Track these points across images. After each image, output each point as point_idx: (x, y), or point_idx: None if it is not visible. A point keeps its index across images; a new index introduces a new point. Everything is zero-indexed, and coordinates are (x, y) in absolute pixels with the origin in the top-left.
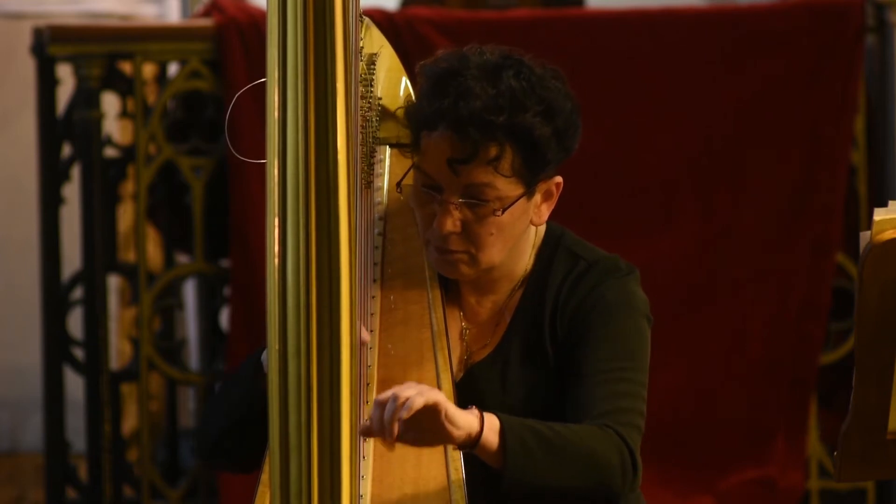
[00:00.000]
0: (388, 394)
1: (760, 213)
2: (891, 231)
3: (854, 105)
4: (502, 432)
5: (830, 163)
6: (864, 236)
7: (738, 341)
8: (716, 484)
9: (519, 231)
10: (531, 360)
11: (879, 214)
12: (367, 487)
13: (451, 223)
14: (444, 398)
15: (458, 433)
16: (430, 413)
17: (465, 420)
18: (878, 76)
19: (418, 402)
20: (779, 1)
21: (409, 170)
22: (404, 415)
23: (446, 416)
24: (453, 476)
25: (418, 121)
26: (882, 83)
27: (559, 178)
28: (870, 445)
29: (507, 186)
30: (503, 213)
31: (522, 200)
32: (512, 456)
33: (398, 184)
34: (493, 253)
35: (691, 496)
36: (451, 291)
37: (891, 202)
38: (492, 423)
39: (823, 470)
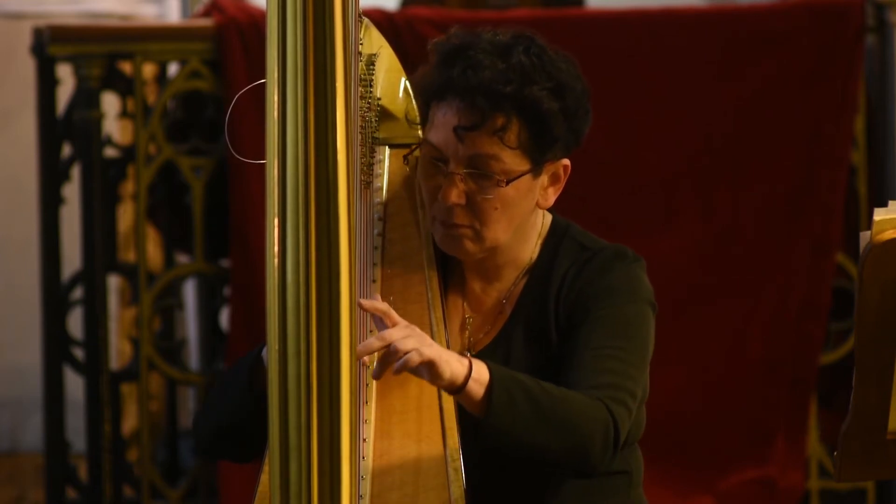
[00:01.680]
0: (388, 336)
1: (760, 213)
2: (891, 231)
3: (854, 105)
4: (490, 385)
5: (830, 162)
6: (864, 236)
7: (738, 341)
8: (716, 484)
9: (524, 210)
10: (535, 346)
11: (879, 214)
12: (368, 456)
13: (456, 194)
14: (437, 355)
15: (441, 383)
16: (422, 367)
17: (451, 372)
18: (878, 76)
19: (414, 361)
20: (779, 1)
21: (415, 147)
22: (397, 368)
23: (434, 370)
24: (451, 469)
25: (427, 92)
26: (882, 83)
27: (567, 161)
28: (870, 445)
29: (513, 160)
30: (508, 184)
31: (528, 178)
32: (496, 408)
33: (405, 156)
34: (498, 230)
35: (691, 496)
36: (456, 280)
37: (891, 202)
38: (480, 374)
39: (823, 470)
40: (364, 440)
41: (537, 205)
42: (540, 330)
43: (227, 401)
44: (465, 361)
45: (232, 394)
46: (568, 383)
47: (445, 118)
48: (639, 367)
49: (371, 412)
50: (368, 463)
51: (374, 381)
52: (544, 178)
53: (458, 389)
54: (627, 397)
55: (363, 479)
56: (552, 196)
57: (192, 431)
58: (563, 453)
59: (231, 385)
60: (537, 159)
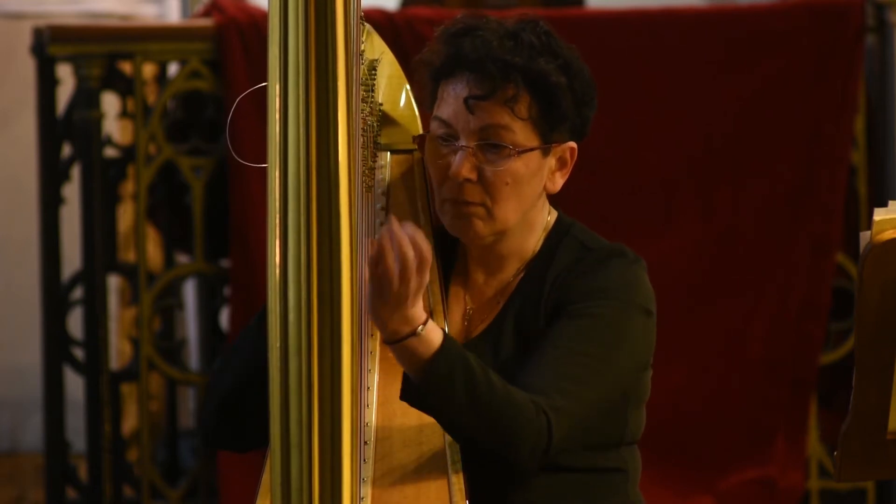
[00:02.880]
0: (401, 237)
1: (760, 213)
2: (891, 231)
3: (854, 105)
4: (435, 356)
5: (830, 162)
6: (864, 236)
7: (738, 341)
8: (716, 484)
9: (533, 191)
10: (523, 339)
11: (879, 214)
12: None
13: (468, 168)
14: (384, 306)
15: (390, 314)
16: (389, 281)
17: (400, 320)
18: (878, 76)
19: (372, 269)
20: (779, 1)
21: (423, 136)
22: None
23: (402, 300)
24: (453, 478)
25: (436, 69)
26: (882, 83)
27: (574, 145)
28: (870, 445)
29: (524, 133)
30: (519, 155)
31: (538, 155)
32: (431, 381)
33: (415, 137)
34: (509, 209)
35: (691, 496)
36: (460, 272)
37: (891, 202)
38: (428, 344)
39: (823, 470)
40: (365, 443)
41: (545, 189)
42: (531, 320)
43: (233, 367)
44: (413, 326)
45: (238, 359)
46: (526, 377)
47: (456, 91)
48: (606, 377)
49: (372, 415)
50: (369, 465)
51: (375, 385)
52: (552, 161)
53: (389, 341)
54: (577, 408)
55: (364, 482)
56: (560, 181)
57: (197, 417)
58: (487, 445)
59: (237, 352)
60: (546, 136)
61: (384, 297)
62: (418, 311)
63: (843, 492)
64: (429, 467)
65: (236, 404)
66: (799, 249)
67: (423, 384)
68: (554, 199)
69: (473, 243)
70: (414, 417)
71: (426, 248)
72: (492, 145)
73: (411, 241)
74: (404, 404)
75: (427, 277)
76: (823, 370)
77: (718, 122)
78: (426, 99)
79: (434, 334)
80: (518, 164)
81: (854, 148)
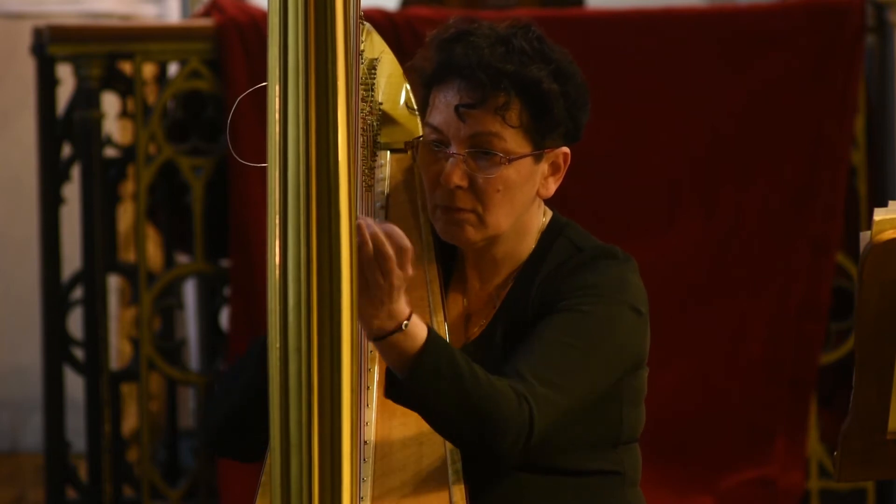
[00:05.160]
0: (391, 241)
1: (761, 213)
2: (891, 231)
3: (854, 105)
4: (423, 350)
5: (831, 163)
6: (864, 236)
7: (738, 341)
8: (716, 483)
9: (525, 197)
10: (516, 340)
11: (879, 214)
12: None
13: (459, 176)
14: (397, 287)
15: (376, 310)
16: (382, 265)
17: (385, 316)
18: (878, 76)
19: (368, 246)
20: (779, 1)
21: (416, 141)
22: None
23: (385, 294)
24: (453, 478)
25: (427, 76)
26: (882, 83)
27: (567, 150)
28: (870, 445)
29: (515, 140)
30: (510, 163)
31: (530, 161)
32: (420, 374)
33: (407, 142)
34: (500, 215)
35: (691, 495)
36: (458, 277)
37: (891, 202)
38: (413, 339)
39: (823, 470)
40: (365, 442)
41: (538, 194)
42: (521, 326)
43: (239, 383)
44: (398, 321)
45: (246, 374)
46: (509, 366)
47: (447, 99)
48: (590, 369)
49: (372, 415)
50: (369, 465)
51: (375, 385)
52: (545, 166)
53: (376, 337)
54: (559, 398)
55: (364, 482)
56: (553, 186)
57: (199, 426)
58: (468, 437)
59: (243, 367)
60: (538, 142)
61: (367, 292)
62: (402, 305)
63: (843, 492)
64: (429, 467)
65: (242, 420)
66: (799, 249)
67: (409, 379)
68: (556, 200)
69: (465, 247)
70: (414, 416)
71: (405, 241)
72: (483, 153)
73: (387, 234)
74: None
75: (410, 271)
76: (823, 370)
77: (719, 122)
78: (419, 105)
79: (419, 329)
80: (509, 172)
81: (854, 148)
